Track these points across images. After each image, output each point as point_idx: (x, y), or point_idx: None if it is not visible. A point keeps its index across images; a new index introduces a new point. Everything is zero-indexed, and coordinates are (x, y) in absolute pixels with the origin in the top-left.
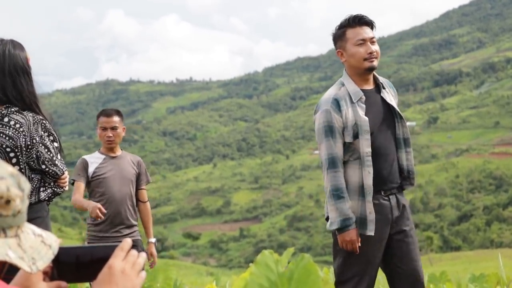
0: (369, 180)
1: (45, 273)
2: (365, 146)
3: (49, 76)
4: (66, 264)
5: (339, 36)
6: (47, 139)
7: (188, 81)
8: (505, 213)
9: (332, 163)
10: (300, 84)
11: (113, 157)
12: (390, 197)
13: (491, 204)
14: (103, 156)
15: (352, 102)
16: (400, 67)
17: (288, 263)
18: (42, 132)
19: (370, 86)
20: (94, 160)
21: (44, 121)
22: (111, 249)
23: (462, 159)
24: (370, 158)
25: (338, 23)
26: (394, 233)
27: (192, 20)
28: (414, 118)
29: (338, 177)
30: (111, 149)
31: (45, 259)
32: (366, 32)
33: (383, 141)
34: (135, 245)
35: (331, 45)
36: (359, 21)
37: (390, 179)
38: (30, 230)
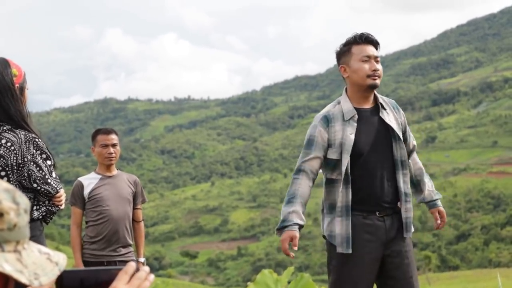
0: (348, 199)
1: None
2: (344, 165)
3: (48, 95)
4: (70, 287)
5: (344, 52)
6: (39, 158)
7: (186, 99)
8: (503, 233)
9: (297, 171)
10: (298, 102)
11: (110, 177)
12: (385, 218)
13: (489, 224)
14: (99, 176)
15: (344, 120)
16: (398, 86)
17: (288, 282)
18: (34, 151)
19: (368, 105)
20: (90, 181)
21: (36, 139)
22: (115, 272)
23: (460, 178)
24: (349, 177)
25: (343, 41)
26: (389, 254)
27: (190, 38)
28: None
29: (295, 183)
30: (109, 168)
31: (50, 275)
32: (372, 50)
33: (377, 162)
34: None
35: (329, 64)
36: (366, 39)
37: (385, 200)
38: (35, 248)
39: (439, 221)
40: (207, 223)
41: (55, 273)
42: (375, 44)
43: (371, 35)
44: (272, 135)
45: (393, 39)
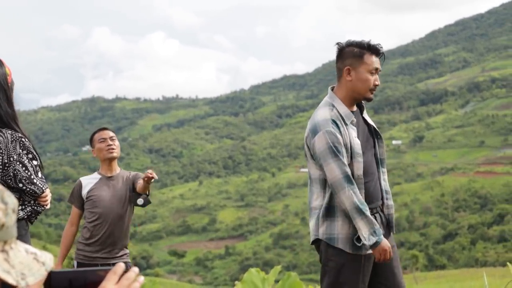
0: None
1: None
2: (358, 169)
3: (35, 93)
4: None
5: (356, 55)
6: (25, 157)
7: (174, 98)
8: (490, 232)
9: (349, 180)
10: (287, 102)
11: (109, 177)
12: (376, 215)
13: (476, 223)
14: (99, 177)
15: (345, 124)
16: (386, 86)
17: (276, 281)
18: (20, 150)
19: (354, 108)
20: (90, 181)
21: (23, 139)
22: (104, 273)
23: (447, 178)
24: (362, 180)
25: (355, 40)
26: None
27: (178, 38)
28: (399, 136)
29: (358, 193)
30: (111, 166)
31: (36, 275)
32: (378, 63)
33: (369, 161)
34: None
35: (317, 64)
36: (377, 50)
37: (376, 197)
38: (22, 248)
39: None
40: (195, 222)
41: (41, 273)
42: (382, 57)
43: (382, 48)
44: (260, 134)
45: (381, 39)
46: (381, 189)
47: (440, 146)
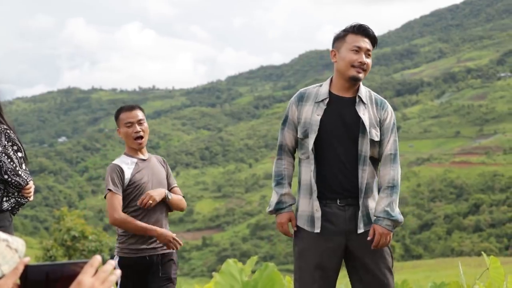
0: (312, 178)
1: None
2: (309, 144)
3: (10, 84)
4: (35, 282)
5: (339, 37)
6: (10, 149)
7: (151, 89)
8: (465, 222)
9: (279, 150)
10: (263, 93)
11: (144, 160)
12: (346, 207)
13: (452, 213)
14: (135, 160)
15: (315, 101)
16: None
17: (252, 272)
18: (6, 142)
19: (348, 95)
20: (127, 165)
21: (8, 131)
22: (81, 266)
23: (423, 168)
24: (312, 157)
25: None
26: (352, 245)
27: (155, 28)
28: None
29: (280, 164)
30: (140, 149)
31: (11, 263)
32: (365, 43)
33: (339, 150)
34: (171, 258)
35: (294, 55)
36: (363, 31)
37: (346, 189)
38: None
39: (369, 238)
40: (172, 213)
41: (15, 260)
42: (372, 38)
43: (369, 28)
44: (237, 125)
45: None
46: (359, 185)
47: (416, 137)
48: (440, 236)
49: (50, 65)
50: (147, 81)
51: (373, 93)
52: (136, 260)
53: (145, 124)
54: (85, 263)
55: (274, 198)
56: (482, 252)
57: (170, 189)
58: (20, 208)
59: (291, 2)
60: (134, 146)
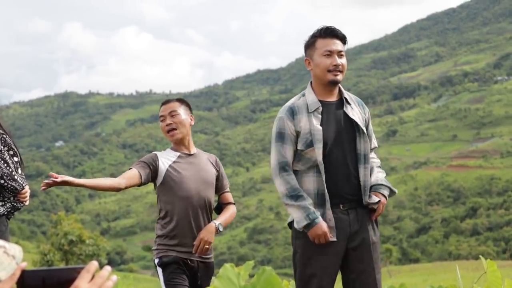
0: (324, 188)
1: None
2: (318, 155)
3: (7, 88)
4: (31, 287)
5: (310, 44)
6: (6, 154)
7: (148, 93)
8: (463, 225)
9: (282, 168)
10: (260, 96)
11: (190, 155)
12: (349, 211)
13: (449, 217)
14: (178, 153)
15: (308, 112)
16: (359, 80)
17: (250, 276)
18: (2, 147)
19: (333, 99)
20: (167, 157)
21: (4, 136)
22: (78, 271)
23: (420, 171)
24: (323, 166)
25: (309, 33)
26: (352, 247)
27: (152, 32)
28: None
29: (291, 179)
30: (181, 143)
31: (8, 269)
32: (336, 44)
33: (341, 154)
34: (208, 267)
35: (291, 58)
36: (331, 33)
37: (348, 192)
38: None
39: (374, 205)
40: None
41: (13, 267)
42: (341, 38)
43: (336, 29)
44: (234, 129)
45: (354, 33)
46: (361, 186)
47: (413, 140)
48: (438, 239)
49: (47, 69)
50: (144, 85)
51: (350, 93)
52: (179, 264)
53: (180, 116)
54: (81, 268)
55: (300, 213)
56: (480, 256)
57: (220, 193)
58: (15, 213)
59: (288, 5)
60: (169, 139)
